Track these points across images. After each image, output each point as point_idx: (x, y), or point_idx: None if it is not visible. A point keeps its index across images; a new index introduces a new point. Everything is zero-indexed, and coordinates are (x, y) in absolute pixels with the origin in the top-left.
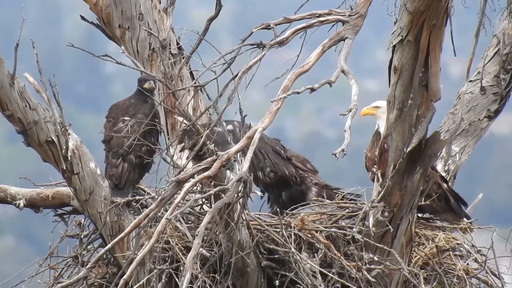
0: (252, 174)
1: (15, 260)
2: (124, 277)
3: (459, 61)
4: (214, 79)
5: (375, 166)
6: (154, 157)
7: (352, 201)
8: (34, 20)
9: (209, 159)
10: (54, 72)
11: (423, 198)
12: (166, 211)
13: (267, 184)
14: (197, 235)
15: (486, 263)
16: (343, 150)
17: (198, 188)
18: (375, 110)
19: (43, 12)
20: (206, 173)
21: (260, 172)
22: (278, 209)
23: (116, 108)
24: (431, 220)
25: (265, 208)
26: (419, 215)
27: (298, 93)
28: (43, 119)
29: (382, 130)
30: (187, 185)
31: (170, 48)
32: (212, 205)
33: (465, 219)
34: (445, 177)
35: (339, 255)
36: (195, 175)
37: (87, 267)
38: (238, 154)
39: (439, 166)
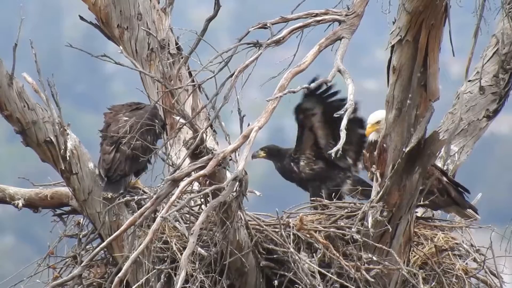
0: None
1: (15, 259)
2: (119, 274)
3: (458, 61)
4: (211, 77)
5: (374, 165)
6: (149, 156)
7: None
8: (33, 20)
9: (205, 157)
10: (53, 72)
11: (424, 196)
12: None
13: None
14: (191, 233)
15: (485, 262)
16: (339, 150)
17: (196, 187)
18: (378, 126)
19: (43, 12)
20: (201, 172)
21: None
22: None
23: (121, 105)
24: (430, 220)
25: (264, 208)
26: (420, 212)
27: (294, 92)
28: (41, 119)
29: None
30: (182, 184)
31: (168, 48)
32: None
33: (469, 210)
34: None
35: (338, 255)
36: (191, 173)
37: (82, 264)
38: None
39: None
